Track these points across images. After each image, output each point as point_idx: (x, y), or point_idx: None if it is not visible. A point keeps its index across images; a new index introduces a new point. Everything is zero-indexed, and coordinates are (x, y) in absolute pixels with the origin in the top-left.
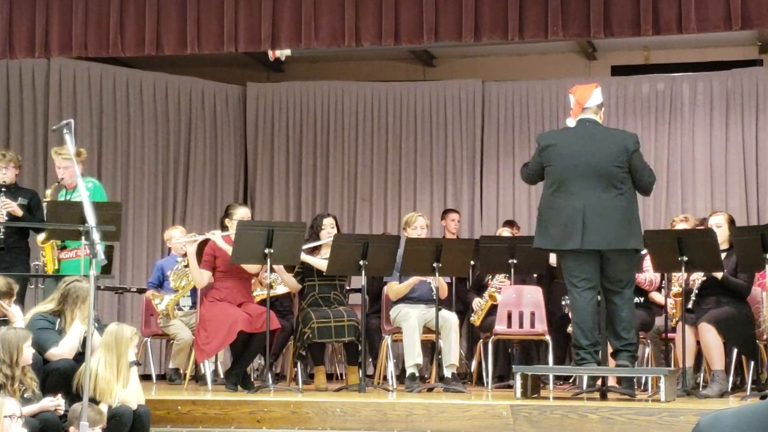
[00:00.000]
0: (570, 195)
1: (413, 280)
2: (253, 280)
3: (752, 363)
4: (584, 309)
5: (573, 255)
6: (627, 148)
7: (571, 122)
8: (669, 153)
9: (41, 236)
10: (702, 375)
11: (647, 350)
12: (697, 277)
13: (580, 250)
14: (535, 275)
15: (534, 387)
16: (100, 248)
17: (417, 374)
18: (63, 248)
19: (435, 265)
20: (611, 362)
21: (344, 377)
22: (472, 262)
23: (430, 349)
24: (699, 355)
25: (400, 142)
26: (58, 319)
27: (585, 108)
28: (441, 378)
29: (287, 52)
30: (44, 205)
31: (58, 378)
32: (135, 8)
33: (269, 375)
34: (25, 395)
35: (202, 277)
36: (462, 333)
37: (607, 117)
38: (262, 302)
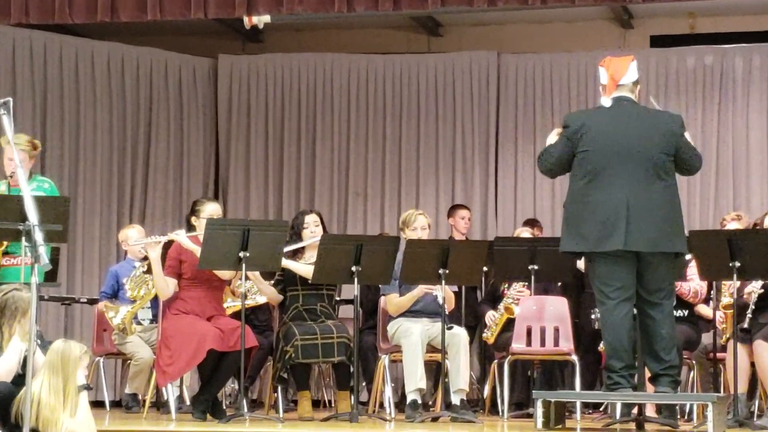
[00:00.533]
0: (610, 186)
1: (417, 291)
2: (225, 290)
3: None
4: (618, 325)
5: (607, 259)
6: (674, 132)
7: (606, 101)
8: (719, 140)
9: None
10: (757, 402)
11: (692, 373)
12: (754, 289)
13: (616, 253)
14: (559, 284)
15: (558, 416)
16: (43, 251)
17: (419, 401)
18: (6, 254)
19: (441, 271)
20: (649, 387)
21: (333, 404)
22: (485, 268)
23: (435, 371)
24: (753, 379)
25: (399, 127)
26: None
27: (619, 85)
28: (448, 405)
29: (266, 18)
30: None
31: None
32: None
33: (244, 402)
34: None
35: (167, 285)
36: (473, 352)
37: (643, 97)
38: (236, 315)
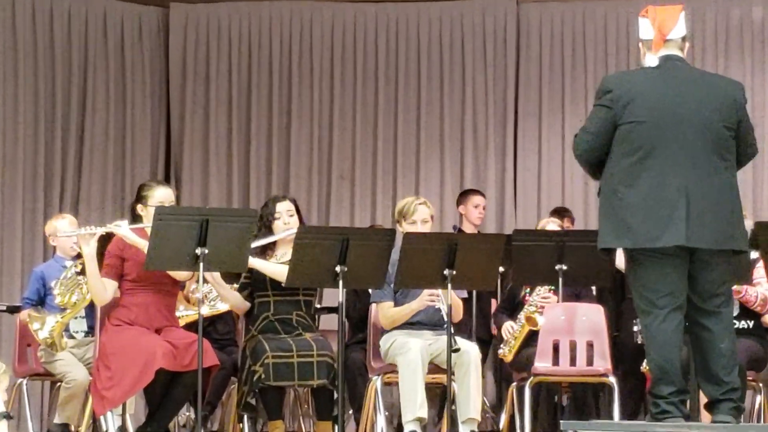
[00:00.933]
0: (664, 167)
1: (418, 304)
2: (178, 295)
3: None
4: (668, 340)
5: (655, 258)
6: (737, 101)
7: (652, 59)
8: None
9: None
10: None
11: (759, 398)
12: None
13: (669, 251)
14: (594, 288)
15: None
16: None
17: None
18: None
19: (446, 272)
20: (705, 416)
21: None
22: (501, 269)
23: (440, 396)
24: None
25: (395, 93)
26: None
27: (668, 40)
28: None
29: None
30: None
31: None
32: None
33: None
34: None
35: (104, 289)
36: (486, 373)
37: (690, 57)
38: (191, 327)
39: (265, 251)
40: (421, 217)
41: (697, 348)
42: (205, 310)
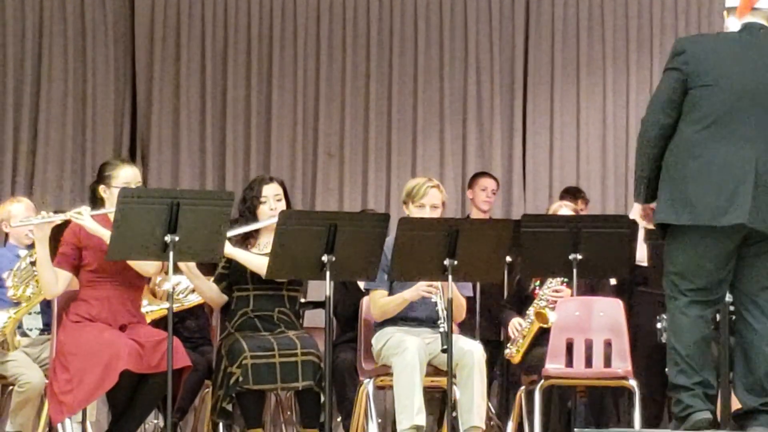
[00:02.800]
0: (734, 138)
1: (412, 293)
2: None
3: None
4: (692, 327)
5: (699, 241)
6: None
7: (734, 23)
8: None
9: None
10: None
11: None
12: None
13: (725, 231)
14: (612, 280)
15: None
16: None
17: None
18: None
19: (447, 262)
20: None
21: None
22: (508, 259)
23: (439, 401)
24: None
25: (389, 62)
26: None
27: (755, 9)
28: None
29: None
30: None
31: None
32: None
33: None
34: None
35: (56, 280)
36: (492, 375)
37: None
38: (158, 324)
39: (246, 240)
40: (431, 201)
41: (741, 350)
42: (176, 305)
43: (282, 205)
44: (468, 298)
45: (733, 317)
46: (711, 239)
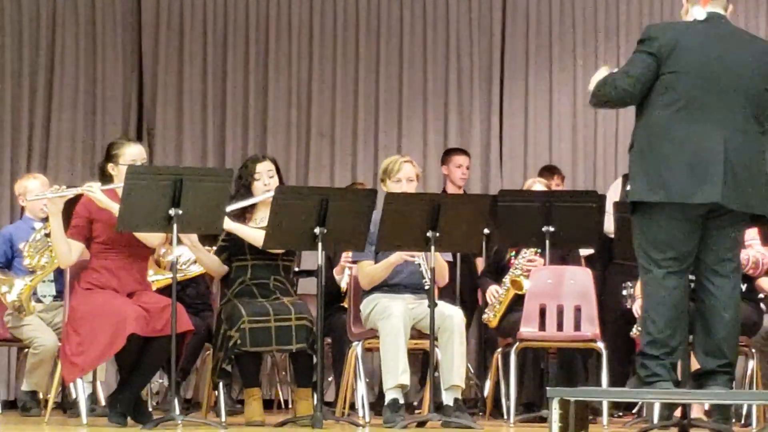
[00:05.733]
0: (704, 121)
1: (395, 258)
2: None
3: None
4: (667, 300)
5: (669, 216)
6: None
7: (700, 13)
8: None
9: None
10: None
11: (750, 364)
12: None
13: (693, 209)
14: (582, 252)
15: (580, 420)
16: None
17: (402, 401)
18: None
19: (429, 234)
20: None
21: (291, 405)
22: (486, 231)
23: (422, 362)
24: None
25: (377, 47)
26: None
27: None
28: (438, 407)
29: None
30: None
31: None
32: None
33: (176, 401)
34: None
35: (69, 250)
36: (470, 338)
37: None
38: (162, 292)
39: (243, 214)
40: (406, 175)
41: (701, 315)
42: (179, 274)
43: (275, 181)
44: (449, 263)
45: (692, 285)
46: (681, 214)
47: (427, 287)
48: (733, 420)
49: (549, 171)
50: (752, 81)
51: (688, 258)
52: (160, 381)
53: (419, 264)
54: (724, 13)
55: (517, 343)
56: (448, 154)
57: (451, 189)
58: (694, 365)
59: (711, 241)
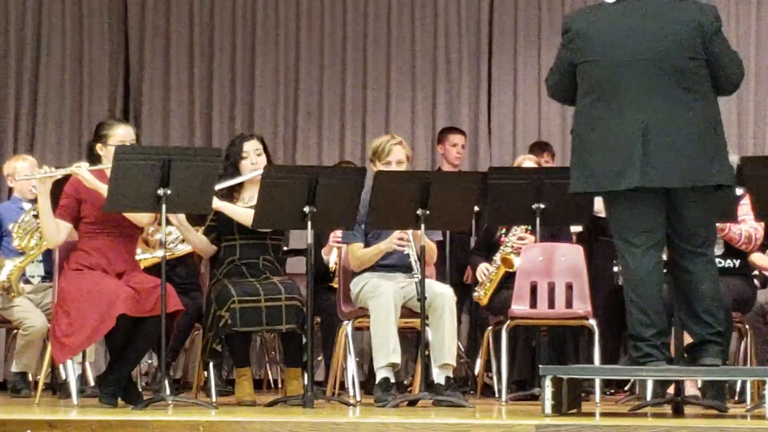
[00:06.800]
0: (621, 106)
1: (386, 245)
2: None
3: None
4: (646, 280)
5: (626, 199)
6: (703, 27)
7: None
8: None
9: None
10: None
11: (744, 341)
12: None
13: (638, 189)
14: (572, 229)
15: (572, 398)
16: None
17: (392, 380)
18: None
19: (420, 212)
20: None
21: (281, 385)
22: (476, 209)
23: (414, 341)
24: None
25: (364, 26)
26: None
27: None
28: (429, 385)
29: None
30: None
31: None
32: None
33: (166, 382)
34: None
35: (57, 230)
36: (461, 317)
37: None
38: (151, 270)
39: (231, 193)
40: (396, 157)
41: (680, 290)
42: (168, 253)
43: (262, 160)
44: (438, 243)
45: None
46: (636, 197)
47: (416, 279)
48: (727, 396)
49: (539, 147)
50: (669, 53)
51: (657, 233)
52: (149, 361)
53: (408, 255)
54: None
55: (508, 321)
56: (443, 132)
57: (446, 168)
58: (688, 341)
59: (675, 218)
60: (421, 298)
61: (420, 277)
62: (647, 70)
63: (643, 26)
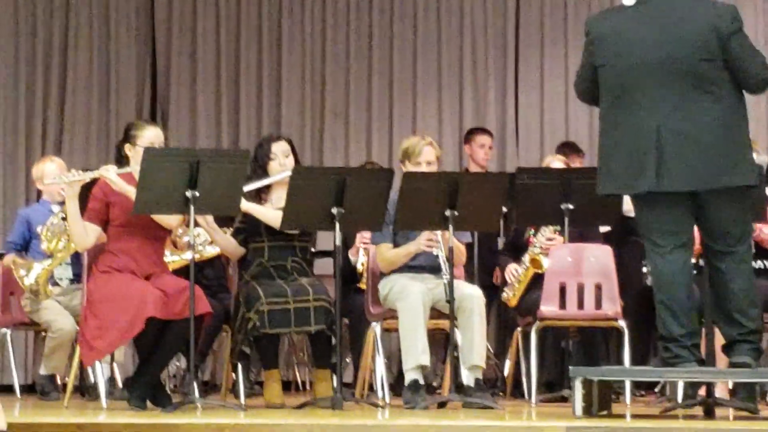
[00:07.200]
0: (636, 110)
1: (415, 246)
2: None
3: None
4: (674, 280)
5: (649, 201)
6: (718, 28)
7: None
8: None
9: None
10: None
11: None
12: None
13: (657, 192)
14: (601, 229)
15: (603, 399)
16: None
17: (422, 382)
18: None
19: (448, 213)
20: (721, 359)
21: (310, 387)
22: (504, 209)
23: (443, 343)
24: None
25: (390, 26)
26: None
27: None
28: (459, 387)
29: None
30: None
31: None
32: None
33: (194, 384)
34: None
35: (86, 233)
36: (490, 318)
37: None
38: (179, 273)
39: (259, 195)
40: (426, 158)
41: (712, 290)
42: (196, 255)
43: (290, 161)
44: (467, 245)
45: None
46: (663, 199)
47: (445, 280)
48: (758, 398)
49: (567, 149)
50: (684, 56)
51: (684, 234)
52: (178, 364)
53: (437, 255)
54: None
55: (537, 323)
56: (470, 133)
57: (473, 169)
58: (719, 341)
59: (703, 219)
60: (450, 299)
61: (449, 277)
62: (662, 73)
63: (658, 29)
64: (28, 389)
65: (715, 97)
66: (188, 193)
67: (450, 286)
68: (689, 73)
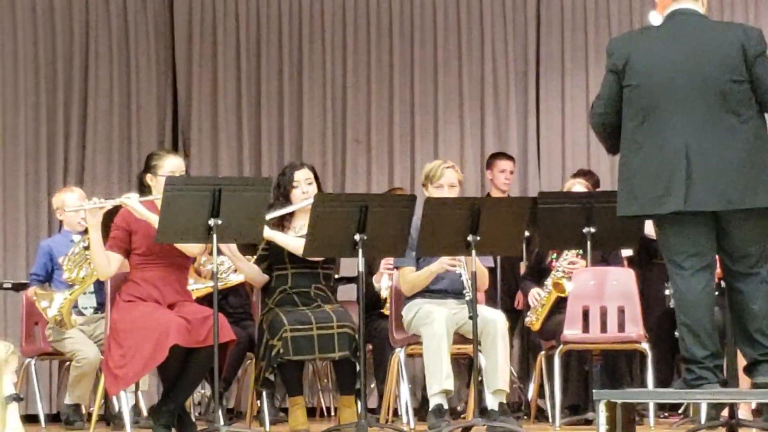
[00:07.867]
0: (664, 130)
1: (437, 266)
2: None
3: None
4: (696, 302)
5: (672, 222)
6: (747, 50)
7: (655, 18)
8: None
9: None
10: None
11: None
12: None
13: (683, 213)
14: (623, 252)
15: (626, 422)
16: None
17: (446, 406)
18: None
19: (470, 238)
20: (743, 380)
21: (335, 413)
22: (526, 233)
23: (466, 367)
24: None
25: (411, 52)
26: None
27: None
28: (483, 411)
29: None
30: None
31: None
32: None
33: (219, 412)
34: None
35: (108, 262)
36: (513, 342)
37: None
38: (203, 301)
39: (282, 223)
40: (448, 181)
41: (733, 311)
42: (219, 283)
43: (313, 189)
44: (489, 269)
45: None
46: (680, 218)
47: (468, 298)
48: None
49: (584, 175)
50: (712, 76)
51: (706, 256)
52: (202, 391)
53: (460, 274)
54: (692, 6)
55: (561, 346)
56: (492, 158)
57: (495, 194)
58: (742, 363)
59: (725, 240)
60: (474, 315)
61: (471, 295)
62: (689, 93)
63: (685, 49)
64: (53, 418)
65: (741, 118)
66: (211, 222)
67: (473, 304)
68: (718, 93)
